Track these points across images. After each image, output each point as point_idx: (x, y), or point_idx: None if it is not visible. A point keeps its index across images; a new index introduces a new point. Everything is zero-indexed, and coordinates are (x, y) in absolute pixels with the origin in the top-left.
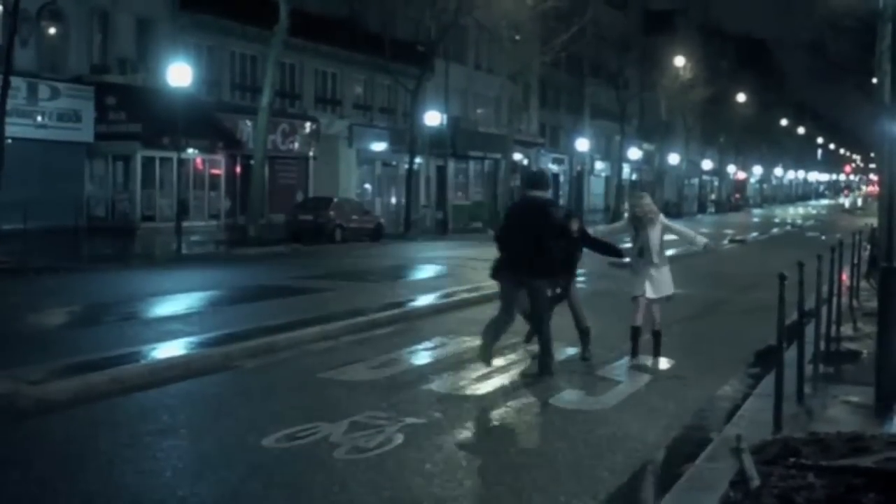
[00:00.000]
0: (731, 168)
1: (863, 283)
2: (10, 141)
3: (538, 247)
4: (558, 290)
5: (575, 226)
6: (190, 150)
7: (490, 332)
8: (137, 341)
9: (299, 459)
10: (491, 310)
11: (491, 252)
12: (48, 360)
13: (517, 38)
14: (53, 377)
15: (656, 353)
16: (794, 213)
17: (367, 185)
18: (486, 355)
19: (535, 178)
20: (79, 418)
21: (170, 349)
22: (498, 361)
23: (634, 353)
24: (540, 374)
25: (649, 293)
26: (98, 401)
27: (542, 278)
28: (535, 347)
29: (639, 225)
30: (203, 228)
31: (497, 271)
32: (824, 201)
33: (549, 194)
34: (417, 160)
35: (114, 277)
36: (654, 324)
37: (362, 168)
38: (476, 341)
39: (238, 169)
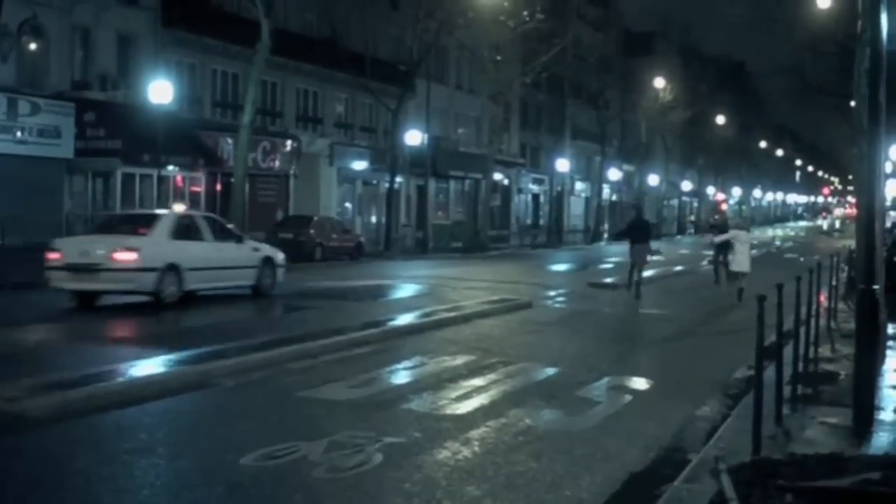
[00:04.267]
0: (710, 189)
1: (840, 305)
2: None
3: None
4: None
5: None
6: (170, 168)
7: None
8: (115, 359)
9: (278, 478)
10: (470, 329)
11: (471, 272)
12: (26, 377)
13: (498, 58)
14: (31, 394)
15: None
16: (773, 234)
17: (348, 204)
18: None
19: (726, 217)
20: (56, 436)
21: (148, 367)
22: (477, 381)
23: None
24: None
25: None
26: (75, 418)
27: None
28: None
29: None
30: None
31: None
32: (802, 223)
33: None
34: (398, 179)
35: None
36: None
37: (343, 187)
38: (455, 360)
39: (218, 186)
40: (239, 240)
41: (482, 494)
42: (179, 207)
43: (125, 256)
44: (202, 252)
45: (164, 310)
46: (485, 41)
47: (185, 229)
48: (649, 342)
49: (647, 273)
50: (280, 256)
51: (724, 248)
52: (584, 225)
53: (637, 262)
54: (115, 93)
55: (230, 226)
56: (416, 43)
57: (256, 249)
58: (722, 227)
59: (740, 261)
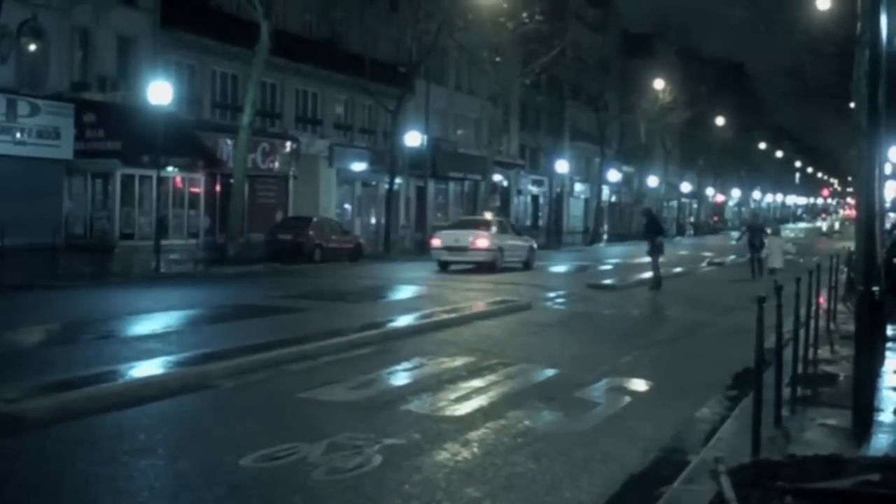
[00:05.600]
0: (709, 191)
1: (840, 307)
2: None
3: (761, 239)
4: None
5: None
6: (170, 169)
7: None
8: (115, 360)
9: (277, 480)
10: (469, 330)
11: (470, 274)
12: (25, 378)
13: (497, 60)
14: (30, 395)
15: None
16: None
17: (347, 205)
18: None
19: (756, 220)
20: (55, 437)
21: (147, 368)
22: (477, 382)
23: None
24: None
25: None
26: (75, 419)
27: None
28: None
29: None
30: (182, 247)
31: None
32: (802, 224)
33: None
34: (397, 180)
35: (92, 295)
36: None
37: (342, 188)
38: (454, 362)
39: (218, 187)
40: (519, 234)
41: (482, 496)
42: (489, 215)
43: (481, 242)
44: (508, 241)
45: (494, 272)
46: (484, 43)
47: (501, 227)
48: (648, 343)
49: (647, 275)
50: (535, 245)
51: (760, 246)
52: (583, 226)
53: (658, 254)
54: (115, 94)
55: (514, 224)
56: (415, 44)
57: (527, 240)
58: (755, 228)
59: (774, 259)
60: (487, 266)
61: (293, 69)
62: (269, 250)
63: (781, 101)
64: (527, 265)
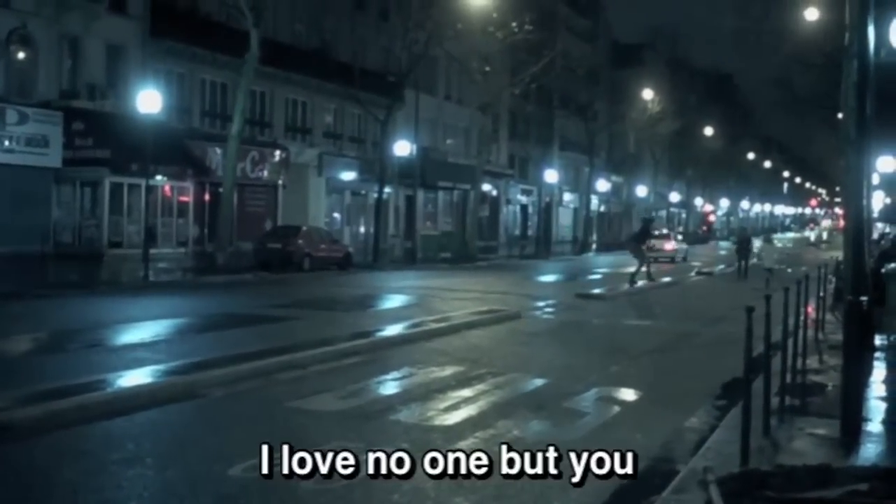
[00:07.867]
0: (698, 200)
1: (828, 316)
2: None
3: (748, 246)
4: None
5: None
6: (159, 177)
7: (742, 271)
8: (103, 369)
9: (266, 489)
10: (458, 340)
11: (459, 283)
12: (13, 387)
13: (487, 69)
14: (18, 404)
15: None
16: (761, 246)
17: (336, 214)
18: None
19: (745, 232)
20: (43, 446)
21: (136, 377)
22: (466, 392)
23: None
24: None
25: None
26: (63, 429)
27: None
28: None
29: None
30: (171, 255)
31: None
32: (790, 234)
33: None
34: (387, 190)
35: (80, 304)
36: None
37: (331, 197)
38: (443, 371)
39: (207, 196)
40: (682, 239)
41: None
42: (665, 230)
43: (669, 246)
44: (679, 245)
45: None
46: (474, 52)
47: (676, 236)
48: (638, 353)
49: (638, 283)
50: (688, 246)
51: (747, 253)
52: (572, 236)
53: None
54: (104, 102)
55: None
56: (405, 53)
57: (685, 245)
58: (743, 238)
59: (769, 261)
60: (671, 259)
61: (283, 78)
62: (258, 259)
63: (770, 112)
64: (684, 259)
